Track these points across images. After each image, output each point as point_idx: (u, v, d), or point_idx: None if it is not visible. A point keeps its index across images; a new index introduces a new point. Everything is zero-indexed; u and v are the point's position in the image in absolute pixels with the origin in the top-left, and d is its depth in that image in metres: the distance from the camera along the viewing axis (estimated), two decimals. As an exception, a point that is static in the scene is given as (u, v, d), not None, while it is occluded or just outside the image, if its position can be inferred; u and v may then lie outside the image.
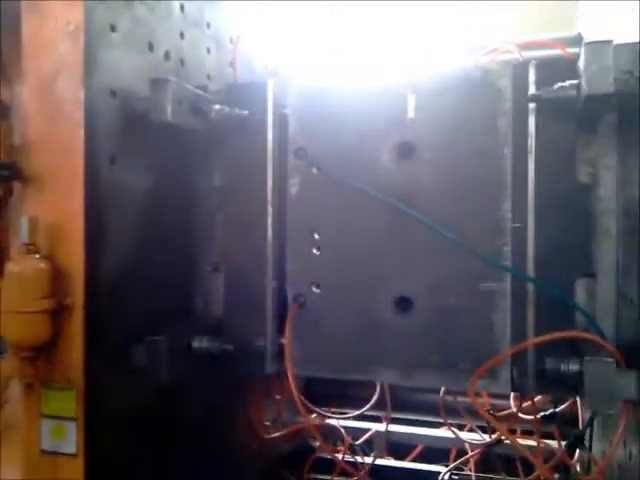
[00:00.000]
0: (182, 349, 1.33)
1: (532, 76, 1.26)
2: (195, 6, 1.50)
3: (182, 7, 1.45)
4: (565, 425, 1.64)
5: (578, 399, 1.61)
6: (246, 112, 1.39)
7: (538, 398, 1.62)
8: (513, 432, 1.83)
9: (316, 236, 1.38)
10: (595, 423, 1.47)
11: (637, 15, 1.12)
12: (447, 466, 1.96)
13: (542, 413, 1.59)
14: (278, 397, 1.78)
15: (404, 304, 1.31)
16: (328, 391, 2.10)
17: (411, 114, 1.33)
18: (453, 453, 2.02)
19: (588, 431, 1.48)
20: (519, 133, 1.26)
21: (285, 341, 1.34)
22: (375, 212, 1.33)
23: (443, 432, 2.08)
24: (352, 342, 1.34)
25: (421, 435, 2.10)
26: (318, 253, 1.38)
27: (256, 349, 1.36)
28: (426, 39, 2.37)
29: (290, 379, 1.30)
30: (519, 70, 1.27)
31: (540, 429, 1.57)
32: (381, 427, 2.11)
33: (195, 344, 1.35)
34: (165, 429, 1.36)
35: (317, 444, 2.10)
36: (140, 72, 1.27)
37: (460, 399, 1.81)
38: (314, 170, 1.38)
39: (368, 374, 1.35)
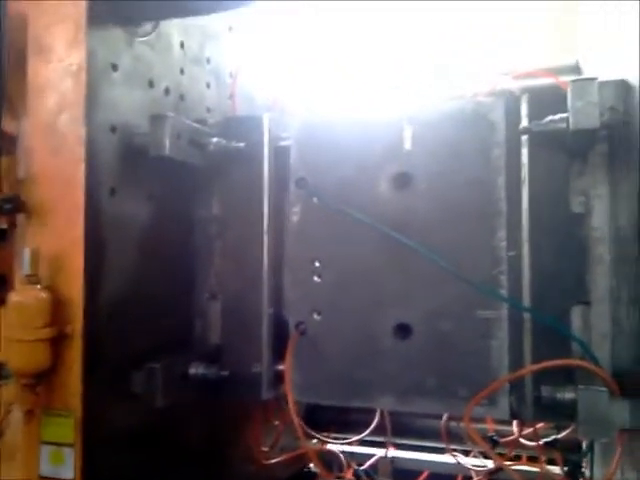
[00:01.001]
0: (178, 375, 1.36)
1: (524, 109, 1.30)
2: (195, 42, 1.57)
3: (182, 44, 1.51)
4: (568, 451, 1.64)
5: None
6: (242, 144, 1.44)
7: (540, 425, 1.62)
8: (519, 458, 1.83)
9: (317, 264, 1.41)
10: (595, 449, 1.47)
11: (637, 15, 1.14)
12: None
13: (544, 439, 1.59)
14: (277, 423, 1.79)
15: (403, 331, 1.33)
16: (329, 417, 2.13)
17: (407, 145, 1.37)
18: (459, 479, 2.02)
19: (590, 457, 1.48)
20: (513, 164, 1.30)
21: (285, 367, 1.36)
22: (374, 240, 1.36)
23: (448, 458, 2.08)
24: (352, 368, 1.36)
25: (426, 461, 2.10)
26: (319, 280, 1.41)
27: (253, 375, 1.40)
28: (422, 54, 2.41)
29: (290, 405, 1.32)
30: (511, 103, 1.31)
31: (545, 455, 1.58)
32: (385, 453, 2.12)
33: (192, 370, 1.39)
34: (163, 453, 1.39)
35: (318, 470, 2.12)
36: (140, 108, 1.34)
37: (464, 425, 1.82)
38: (314, 199, 1.42)
39: (368, 400, 1.36)
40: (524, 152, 1.29)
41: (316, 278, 1.41)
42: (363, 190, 1.39)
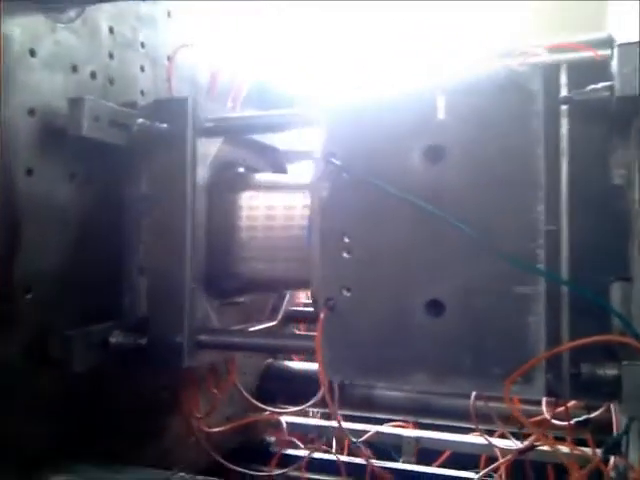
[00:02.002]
0: (98, 343, 1.43)
1: (563, 78, 1.25)
2: (128, 27, 1.61)
3: (111, 29, 1.55)
4: (599, 432, 1.62)
5: (612, 405, 1.59)
6: (165, 125, 1.51)
7: (571, 404, 1.60)
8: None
9: (346, 239, 1.38)
10: (630, 430, 1.44)
11: (637, 15, 1.11)
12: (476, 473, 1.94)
13: (576, 419, 1.57)
14: (215, 391, 1.86)
15: (436, 307, 1.30)
16: (275, 388, 2.22)
17: (441, 116, 1.33)
18: (483, 460, 2.00)
19: (625, 438, 1.46)
20: (551, 135, 1.25)
21: (316, 344, 1.34)
22: (406, 215, 1.33)
23: (473, 438, 2.07)
24: (383, 346, 1.34)
25: (450, 441, 2.08)
26: (348, 256, 1.38)
27: (174, 344, 1.49)
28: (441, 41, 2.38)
29: (323, 383, 1.30)
30: (550, 72, 1.26)
31: (575, 436, 1.55)
32: (410, 433, 2.11)
33: (112, 339, 1.46)
34: (88, 416, 1.46)
35: (272, 439, 2.24)
36: (63, 91, 1.38)
37: (489, 404, 1.79)
38: (344, 174, 1.38)
39: (399, 379, 1.34)
40: (564, 123, 1.25)
41: (345, 254, 1.39)
42: (395, 164, 1.35)
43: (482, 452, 1.97)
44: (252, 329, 1.79)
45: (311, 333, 2.01)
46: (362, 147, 1.38)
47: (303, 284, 1.85)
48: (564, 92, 1.24)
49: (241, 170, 1.80)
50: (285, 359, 2.36)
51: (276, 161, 1.99)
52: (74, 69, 1.43)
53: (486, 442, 1.87)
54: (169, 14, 1.77)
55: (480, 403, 1.76)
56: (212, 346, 1.58)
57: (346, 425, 2.01)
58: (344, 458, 2.11)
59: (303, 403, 2.01)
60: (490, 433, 1.94)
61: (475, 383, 1.28)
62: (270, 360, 2.32)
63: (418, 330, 1.31)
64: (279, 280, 1.76)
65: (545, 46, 1.71)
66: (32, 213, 1.31)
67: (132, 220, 1.56)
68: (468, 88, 1.31)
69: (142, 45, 1.66)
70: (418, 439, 2.09)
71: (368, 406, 2.07)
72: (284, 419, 2.22)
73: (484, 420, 1.85)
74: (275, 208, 1.65)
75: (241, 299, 1.82)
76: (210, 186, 1.63)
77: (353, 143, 1.39)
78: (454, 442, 2.07)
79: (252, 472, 1.96)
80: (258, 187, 1.73)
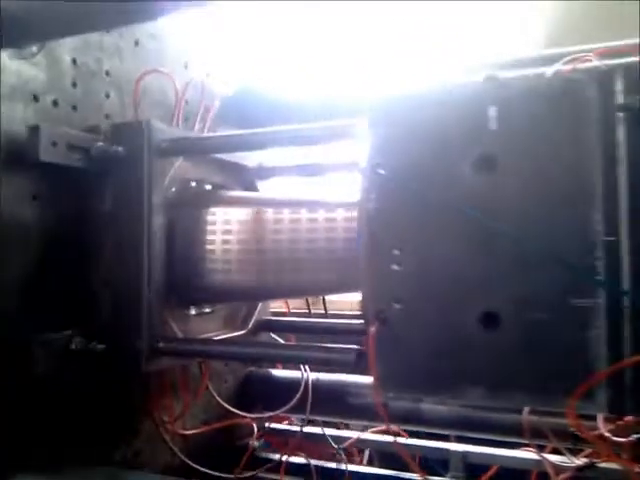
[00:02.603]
0: (60, 349, 1.52)
1: (619, 85, 1.22)
2: (92, 58, 1.71)
3: (74, 60, 1.64)
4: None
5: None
6: (120, 148, 1.60)
7: (628, 419, 1.54)
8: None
9: (395, 252, 1.37)
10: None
11: (637, 14, 1.07)
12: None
13: (636, 435, 1.51)
14: (187, 396, 1.95)
15: (490, 320, 1.27)
16: (255, 393, 2.33)
17: (492, 126, 1.31)
18: (534, 476, 1.95)
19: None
20: (607, 143, 1.22)
21: (369, 357, 1.32)
22: (457, 226, 1.31)
23: (521, 453, 2.01)
24: (437, 360, 1.31)
25: (499, 456, 2.03)
26: (398, 268, 1.36)
27: (133, 351, 1.59)
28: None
29: (375, 396, 1.29)
30: (605, 78, 1.24)
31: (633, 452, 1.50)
32: (457, 447, 2.07)
33: (72, 346, 1.55)
34: (56, 420, 1.54)
35: (255, 443, 2.28)
36: (24, 119, 1.48)
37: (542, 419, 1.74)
38: (391, 185, 1.37)
39: (455, 393, 1.31)
40: (620, 130, 1.21)
41: (395, 267, 1.37)
42: (444, 174, 1.33)
43: (532, 467, 1.91)
44: (217, 337, 1.87)
45: (277, 342, 2.23)
46: (409, 157, 1.37)
47: (264, 295, 1.97)
48: (620, 99, 1.21)
49: (208, 187, 1.92)
50: (268, 367, 2.46)
51: (246, 178, 2.07)
52: (35, 98, 1.53)
53: (537, 457, 1.83)
54: (137, 43, 1.88)
55: (532, 417, 1.72)
56: (171, 353, 1.68)
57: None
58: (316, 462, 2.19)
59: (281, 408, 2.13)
60: (539, 448, 1.89)
61: (533, 398, 1.25)
62: (252, 368, 2.43)
63: (472, 343, 1.28)
64: (242, 291, 1.84)
65: (595, 52, 1.68)
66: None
67: (97, 236, 1.65)
68: (521, 96, 1.29)
69: (107, 73, 1.76)
70: (466, 454, 2.04)
71: (415, 420, 2.04)
72: (266, 424, 2.31)
73: (532, 434, 1.81)
74: (231, 223, 1.76)
75: (208, 309, 1.92)
76: (175, 203, 1.72)
77: (400, 153, 1.38)
78: (503, 457, 2.02)
79: (219, 474, 2.01)
80: (221, 203, 1.83)
